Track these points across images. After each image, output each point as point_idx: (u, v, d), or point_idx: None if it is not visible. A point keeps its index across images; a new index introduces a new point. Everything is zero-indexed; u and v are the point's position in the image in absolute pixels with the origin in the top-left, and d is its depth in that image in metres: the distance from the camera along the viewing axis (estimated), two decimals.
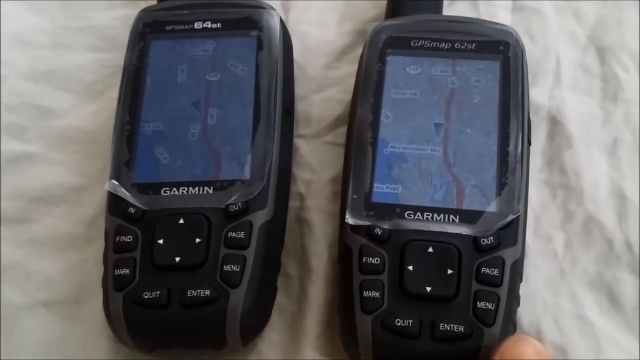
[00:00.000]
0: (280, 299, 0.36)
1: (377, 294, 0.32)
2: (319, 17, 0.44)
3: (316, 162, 0.40)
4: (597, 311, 0.36)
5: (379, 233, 0.33)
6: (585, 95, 0.41)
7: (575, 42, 0.43)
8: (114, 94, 0.38)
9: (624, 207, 0.38)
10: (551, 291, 0.36)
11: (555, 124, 0.40)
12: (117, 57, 0.41)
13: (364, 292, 0.32)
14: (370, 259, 0.33)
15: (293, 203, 0.39)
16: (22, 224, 0.39)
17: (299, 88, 0.41)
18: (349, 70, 0.40)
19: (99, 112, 0.42)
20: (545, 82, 0.41)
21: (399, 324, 0.31)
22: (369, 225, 0.33)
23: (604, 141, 0.40)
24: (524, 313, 0.36)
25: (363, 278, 0.32)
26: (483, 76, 0.37)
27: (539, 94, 0.41)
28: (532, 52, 0.42)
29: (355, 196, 0.34)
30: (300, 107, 0.41)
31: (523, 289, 0.36)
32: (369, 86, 0.36)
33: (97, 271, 0.35)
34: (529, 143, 0.36)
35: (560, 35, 0.43)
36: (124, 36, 0.39)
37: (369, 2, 0.44)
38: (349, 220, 0.34)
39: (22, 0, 0.45)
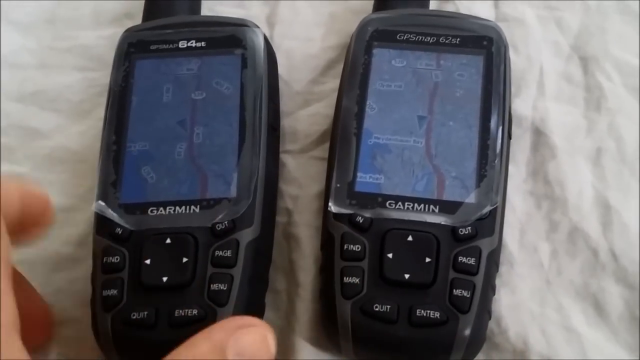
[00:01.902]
0: (268, 314, 0.37)
1: (357, 280, 0.33)
2: (304, 31, 0.45)
3: (303, 177, 0.40)
4: (584, 321, 0.36)
5: (361, 221, 0.34)
6: (569, 105, 0.41)
7: (558, 51, 0.43)
8: (101, 113, 0.38)
9: (608, 216, 0.38)
10: (537, 301, 0.37)
11: (539, 134, 0.40)
12: (104, 77, 0.41)
13: (345, 278, 0.33)
14: (352, 246, 0.34)
15: (280, 218, 0.39)
16: (12, 245, 0.39)
17: (285, 104, 0.42)
18: (334, 85, 0.41)
19: (86, 131, 0.42)
20: (529, 93, 0.42)
21: (377, 309, 0.33)
22: (351, 214, 0.34)
23: (587, 151, 0.40)
24: (511, 324, 0.36)
25: (344, 264, 0.34)
26: (466, 70, 0.37)
27: (522, 105, 0.41)
28: (516, 63, 0.42)
29: (338, 185, 0.35)
30: (286, 122, 0.42)
31: (509, 300, 0.36)
32: (355, 78, 0.37)
33: (86, 291, 0.35)
34: (510, 137, 0.37)
35: (543, 45, 0.43)
36: (111, 55, 0.39)
37: (353, 15, 0.44)
38: (332, 208, 0.35)
39: (8, 22, 0.45)
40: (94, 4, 0.46)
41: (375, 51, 0.38)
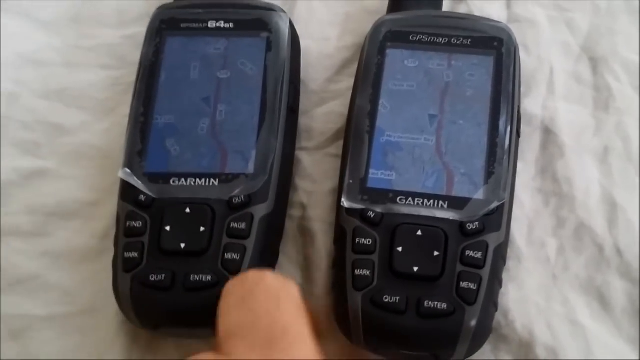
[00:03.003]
0: None
1: (368, 273, 0.34)
2: (320, 31, 0.46)
3: (318, 173, 0.42)
4: (588, 314, 0.37)
5: (372, 216, 0.35)
6: (578, 104, 0.42)
7: (568, 52, 0.44)
8: (125, 111, 0.39)
9: (614, 213, 0.39)
10: (544, 296, 0.38)
11: (548, 133, 0.41)
12: (127, 75, 0.43)
13: (356, 271, 0.34)
14: (363, 239, 0.35)
15: (295, 212, 0.41)
16: (39, 238, 0.40)
17: (301, 102, 0.43)
18: (349, 83, 0.42)
19: (110, 129, 0.43)
20: (539, 92, 0.43)
21: (386, 300, 0.34)
22: (362, 209, 0.35)
23: (595, 150, 0.41)
24: (517, 317, 0.37)
25: (355, 257, 0.35)
26: (477, 71, 0.38)
27: (532, 104, 0.42)
28: (526, 63, 0.43)
29: (351, 181, 0.36)
30: (302, 120, 0.43)
31: (516, 294, 0.37)
32: (368, 77, 0.38)
33: (109, 282, 0.36)
34: (518, 135, 0.38)
35: (553, 45, 0.44)
36: (134, 54, 0.41)
37: (368, 15, 0.45)
38: (345, 203, 0.36)
39: (34, 20, 0.46)
40: (117, 4, 0.47)
41: (388, 51, 0.39)
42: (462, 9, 0.45)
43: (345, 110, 0.41)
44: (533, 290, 0.38)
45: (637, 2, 0.44)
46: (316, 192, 0.41)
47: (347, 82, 0.43)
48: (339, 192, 0.37)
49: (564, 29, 0.44)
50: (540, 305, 0.37)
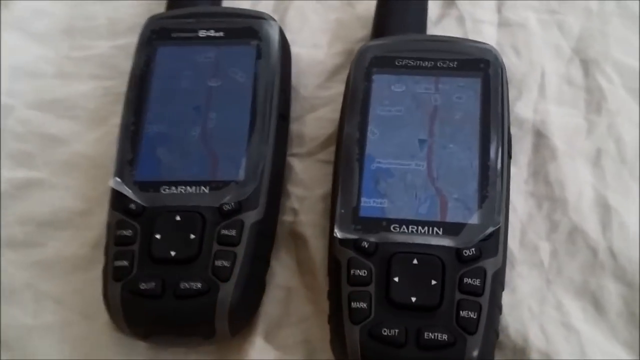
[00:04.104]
0: (270, 309, 0.38)
1: (365, 305, 0.33)
2: (311, 38, 0.46)
3: (309, 179, 0.41)
4: (583, 319, 0.37)
5: (366, 246, 0.34)
6: (570, 107, 0.42)
7: (560, 55, 0.44)
8: (116, 120, 0.40)
9: (607, 216, 0.39)
10: (538, 300, 0.37)
11: (540, 137, 0.41)
12: (119, 85, 0.43)
13: (352, 303, 0.34)
14: (358, 271, 0.34)
15: (287, 218, 0.41)
16: (31, 248, 0.40)
17: (292, 108, 0.43)
18: (339, 89, 0.42)
19: (102, 138, 0.43)
20: (530, 96, 0.42)
21: (385, 333, 0.33)
22: (356, 239, 0.35)
23: (587, 152, 0.41)
24: (511, 321, 0.37)
25: (351, 289, 0.34)
26: (464, 93, 0.38)
27: (524, 108, 0.42)
28: (518, 67, 0.43)
29: (343, 211, 0.36)
30: (293, 126, 0.43)
31: (510, 298, 0.37)
32: (355, 104, 0.38)
33: (100, 291, 0.36)
34: (510, 157, 0.37)
35: (545, 48, 0.44)
36: (126, 64, 0.41)
37: (358, 21, 0.46)
38: (338, 234, 0.35)
39: (27, 32, 0.46)
40: (109, 15, 0.47)
41: (374, 77, 0.39)
42: (452, 15, 0.45)
43: (336, 116, 0.41)
44: (526, 294, 0.37)
45: (629, 3, 0.44)
46: (308, 198, 0.41)
47: (337, 88, 0.43)
48: (331, 222, 0.36)
49: (555, 32, 0.45)
50: (534, 310, 0.37)
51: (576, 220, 0.39)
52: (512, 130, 0.39)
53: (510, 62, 0.43)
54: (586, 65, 0.43)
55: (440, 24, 0.45)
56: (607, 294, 0.37)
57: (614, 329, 0.37)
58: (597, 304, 0.37)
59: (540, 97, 0.42)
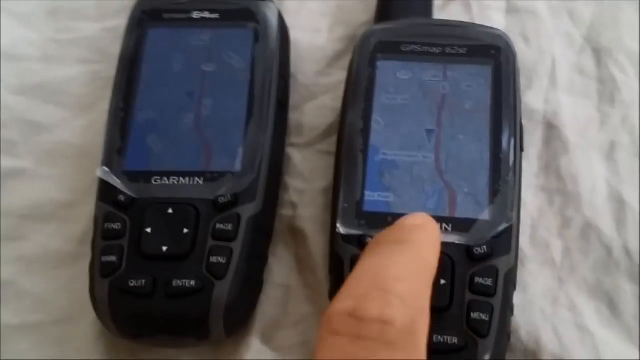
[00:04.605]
0: (268, 308, 0.37)
1: None
2: (310, 22, 0.44)
3: (309, 171, 0.40)
4: (597, 320, 0.35)
5: None
6: (582, 97, 0.40)
7: (571, 43, 0.42)
8: (105, 106, 0.38)
9: (622, 212, 0.37)
10: (549, 300, 0.36)
11: (551, 128, 0.40)
12: (108, 69, 0.41)
13: None
14: None
15: (285, 212, 0.39)
16: (12, 242, 0.38)
17: (290, 96, 0.41)
18: (341, 77, 0.40)
19: (90, 125, 0.41)
20: (541, 85, 0.41)
21: None
22: (360, 235, 0.33)
23: (601, 145, 0.39)
24: (522, 323, 0.35)
25: None
26: (474, 81, 0.36)
27: (534, 98, 0.40)
28: (527, 55, 0.41)
29: (346, 205, 0.34)
30: (292, 115, 0.41)
31: (521, 298, 0.36)
32: (359, 92, 0.36)
33: (86, 289, 0.35)
34: (522, 149, 0.36)
35: (555, 36, 0.42)
36: (115, 48, 0.39)
37: (361, 5, 0.44)
38: (340, 229, 0.33)
39: (9, 13, 0.44)
40: None
41: (379, 64, 0.37)
42: (459, 4, 0.43)
43: (338, 105, 0.39)
44: (538, 294, 0.36)
45: None
46: (307, 191, 0.39)
47: (338, 76, 0.41)
48: (333, 217, 0.35)
49: (566, 19, 0.43)
50: (545, 311, 0.35)
51: (589, 216, 0.37)
52: (522, 121, 0.37)
53: (520, 50, 0.41)
54: (598, 55, 0.41)
55: (445, 9, 0.44)
56: (622, 294, 0.36)
57: (630, 331, 0.35)
58: (612, 305, 0.36)
59: (551, 87, 0.41)
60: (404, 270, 0.26)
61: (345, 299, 0.25)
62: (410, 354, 0.24)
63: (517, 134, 0.35)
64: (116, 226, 0.34)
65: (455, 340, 0.31)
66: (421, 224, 0.29)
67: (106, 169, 0.35)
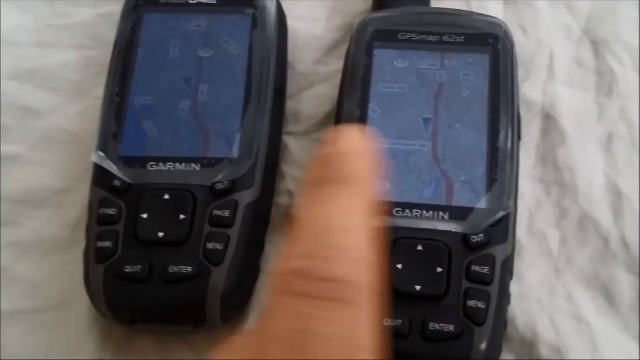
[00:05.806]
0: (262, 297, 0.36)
1: None
2: (308, 11, 0.43)
3: (306, 159, 0.39)
4: (594, 310, 0.35)
5: None
6: (580, 89, 0.40)
7: (569, 35, 0.42)
8: (99, 93, 0.37)
9: (619, 203, 0.37)
10: (546, 291, 0.36)
11: (548, 119, 0.39)
12: (103, 55, 0.40)
13: None
14: None
15: (282, 200, 0.38)
16: (6, 227, 0.38)
17: (288, 85, 0.41)
18: (338, 65, 0.40)
19: (84, 111, 0.41)
20: (539, 77, 0.41)
21: (387, 323, 0.31)
22: None
23: (599, 137, 0.39)
24: (519, 314, 0.35)
25: None
26: (472, 70, 0.36)
27: (532, 89, 0.40)
28: (525, 46, 0.41)
29: None
30: (289, 104, 0.41)
31: (518, 289, 0.35)
32: (356, 80, 0.36)
33: (80, 275, 0.34)
34: (519, 138, 0.36)
35: (553, 28, 0.42)
36: (110, 34, 0.39)
37: None
38: None
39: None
40: None
41: (376, 52, 0.37)
42: None
43: (335, 94, 0.39)
44: (535, 285, 0.36)
45: None
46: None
47: (336, 64, 0.41)
48: None
49: (564, 11, 0.43)
50: (543, 301, 0.35)
51: (587, 208, 0.37)
52: (520, 112, 0.37)
53: (518, 41, 0.41)
54: (597, 47, 0.41)
55: None
56: (618, 285, 0.36)
57: (626, 321, 0.35)
58: (608, 296, 0.36)
59: (549, 79, 0.40)
60: (348, 218, 0.24)
61: (292, 258, 0.23)
62: (363, 309, 0.23)
63: (515, 122, 0.35)
64: (111, 211, 0.34)
65: (451, 328, 0.31)
66: (358, 149, 0.25)
67: (101, 153, 0.35)
